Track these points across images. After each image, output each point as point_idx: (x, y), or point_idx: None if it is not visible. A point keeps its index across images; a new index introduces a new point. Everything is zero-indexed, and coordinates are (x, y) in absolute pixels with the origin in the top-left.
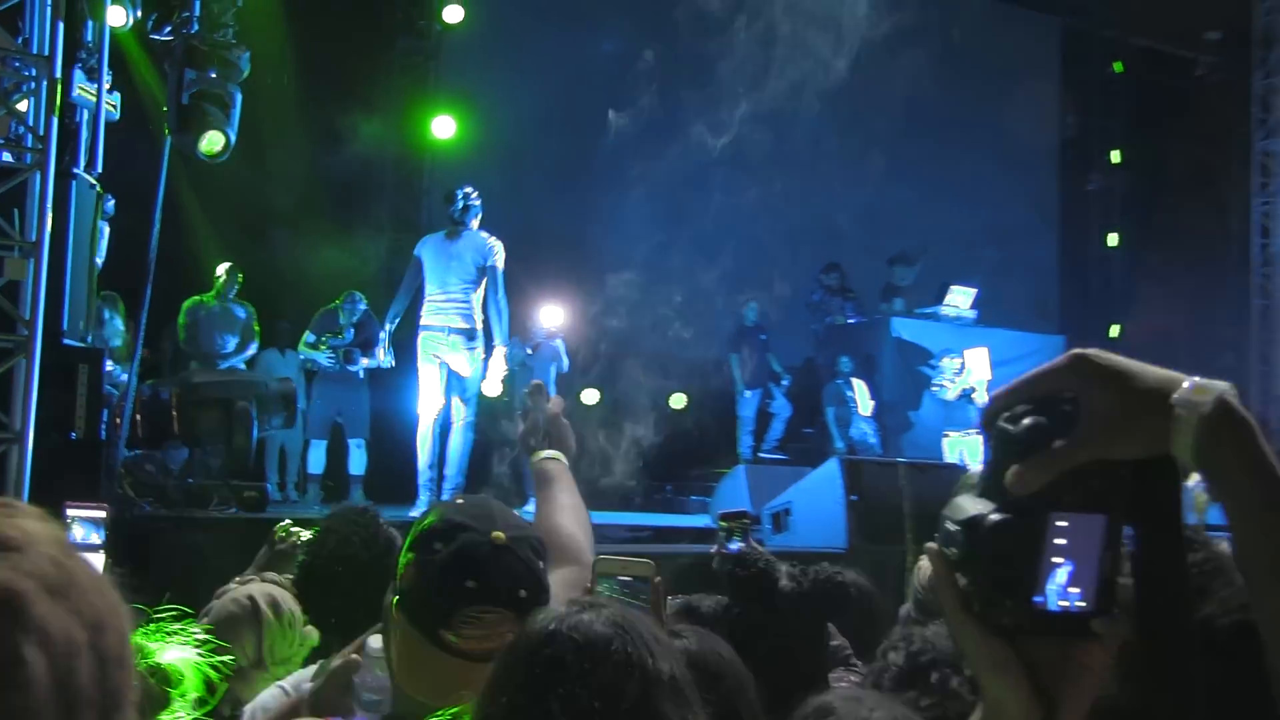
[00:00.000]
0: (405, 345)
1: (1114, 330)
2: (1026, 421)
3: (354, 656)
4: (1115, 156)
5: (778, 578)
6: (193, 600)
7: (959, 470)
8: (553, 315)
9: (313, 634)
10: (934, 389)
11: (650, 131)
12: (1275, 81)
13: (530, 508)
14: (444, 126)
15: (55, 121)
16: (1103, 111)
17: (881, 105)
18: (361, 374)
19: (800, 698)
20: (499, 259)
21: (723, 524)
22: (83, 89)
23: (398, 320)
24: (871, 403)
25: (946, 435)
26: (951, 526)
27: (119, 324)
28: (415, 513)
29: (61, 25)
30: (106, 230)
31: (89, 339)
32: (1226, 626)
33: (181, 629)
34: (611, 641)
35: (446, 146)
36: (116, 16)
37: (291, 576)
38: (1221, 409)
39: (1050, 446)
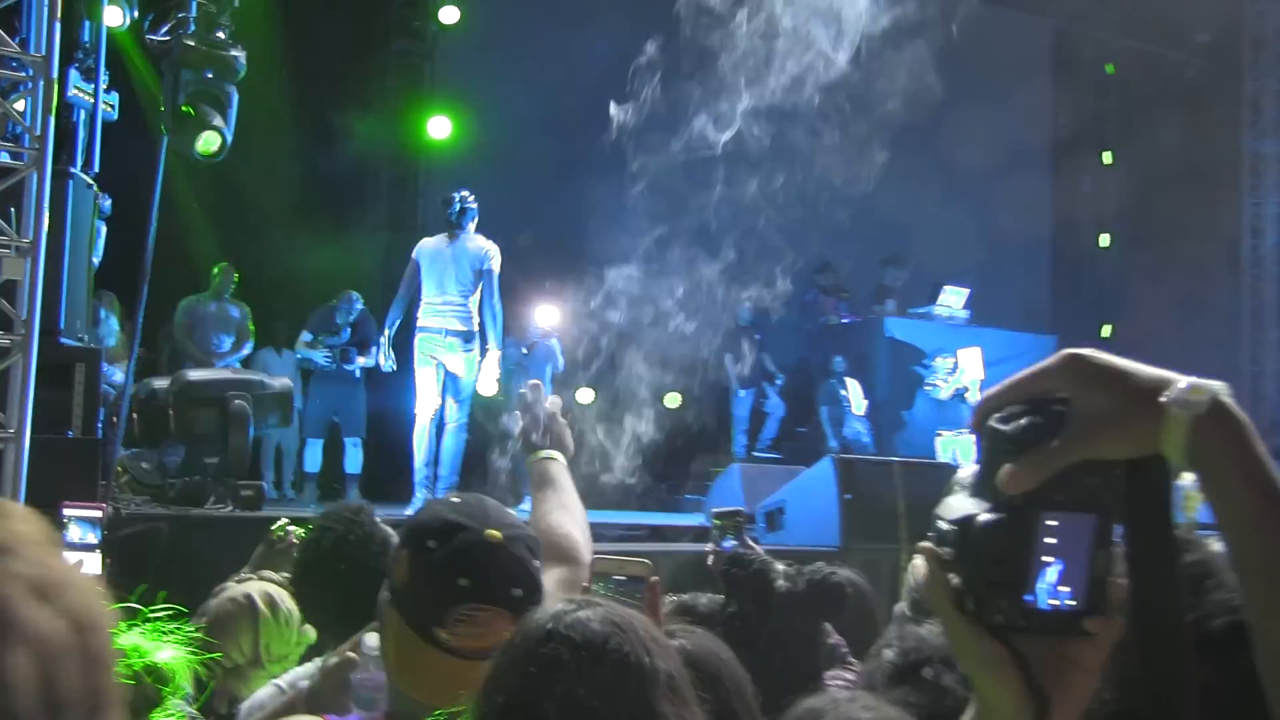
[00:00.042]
0: (402, 346)
1: (1106, 330)
2: (1019, 421)
3: (350, 654)
4: (1107, 157)
5: (773, 578)
6: (190, 598)
7: (952, 469)
8: (548, 315)
9: (310, 632)
10: (927, 388)
11: (645, 132)
12: (1265, 84)
13: (526, 506)
14: (440, 127)
15: (52, 121)
16: (1095, 113)
17: (874, 107)
18: (358, 373)
19: (795, 697)
20: (495, 263)
21: (717, 522)
22: (78, 89)
23: (397, 324)
24: (865, 402)
25: (940, 434)
26: (944, 526)
27: (114, 324)
28: (411, 511)
29: (58, 25)
30: (103, 230)
31: (86, 338)
32: (1218, 628)
33: (176, 628)
34: (609, 640)
35: (442, 147)
36: (113, 17)
37: (288, 575)
38: (1216, 409)
39: (1042, 446)
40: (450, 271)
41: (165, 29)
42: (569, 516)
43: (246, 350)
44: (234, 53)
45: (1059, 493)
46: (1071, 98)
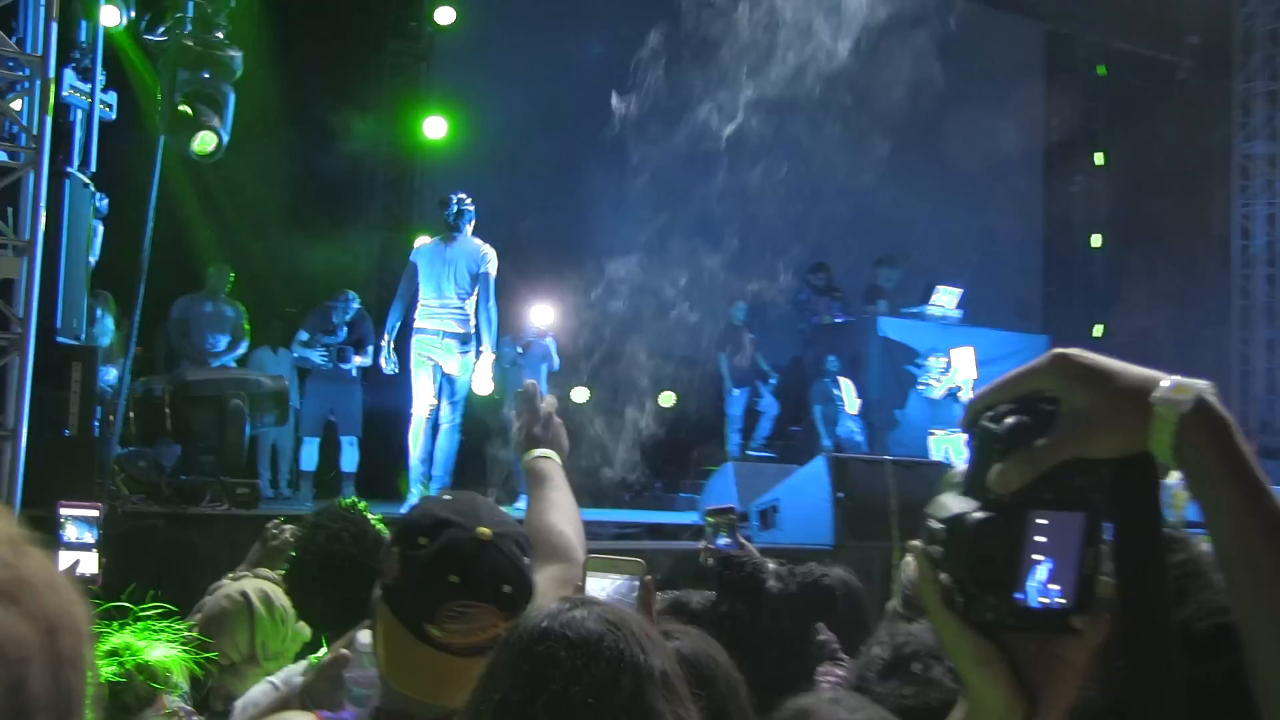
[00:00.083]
0: (400, 347)
1: (1097, 330)
2: (1008, 421)
3: (343, 651)
4: (1099, 158)
5: (765, 579)
6: (186, 596)
7: (945, 468)
8: (543, 314)
9: (305, 630)
10: (920, 388)
11: (639, 133)
12: (1255, 85)
13: (522, 505)
14: (435, 127)
15: (49, 120)
16: (1086, 114)
17: (867, 108)
18: (354, 372)
19: (787, 695)
20: (492, 266)
21: (709, 520)
22: (74, 88)
23: (397, 327)
24: (858, 401)
25: (932, 433)
26: (934, 525)
27: (109, 323)
28: (405, 508)
29: (55, 25)
30: (100, 229)
31: (83, 337)
32: (1204, 630)
33: (168, 626)
34: (604, 638)
35: (438, 147)
36: (110, 16)
37: (283, 572)
38: (1201, 408)
39: (1031, 445)
40: (448, 274)
41: (162, 29)
42: (563, 515)
43: (241, 350)
44: (230, 53)
45: (1048, 491)
46: (1063, 99)
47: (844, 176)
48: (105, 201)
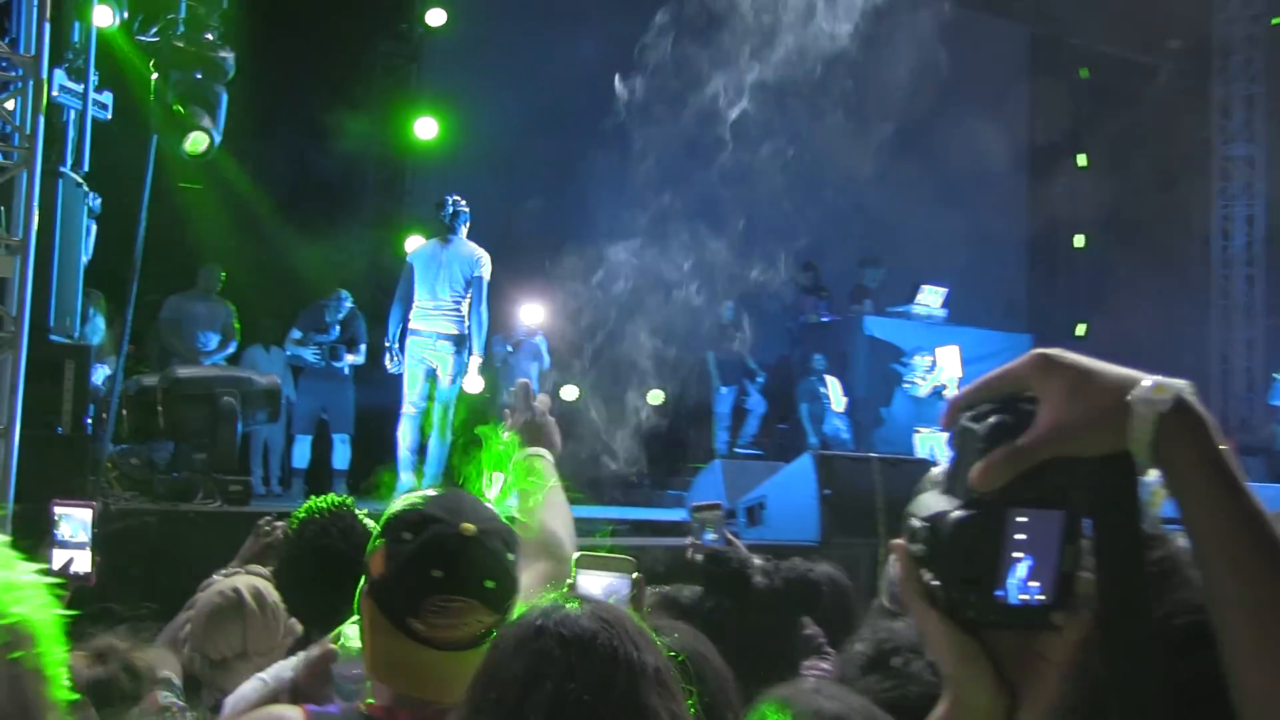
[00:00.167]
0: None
1: (1080, 329)
2: (989, 420)
3: (331, 646)
4: (1081, 160)
5: (751, 574)
6: (178, 592)
7: (930, 465)
8: (533, 313)
9: (296, 626)
10: (906, 386)
11: (631, 134)
12: (1234, 89)
13: (512, 502)
14: (426, 127)
15: (42, 120)
16: (1069, 116)
17: (854, 111)
18: (346, 370)
19: (772, 688)
20: (486, 270)
21: (696, 516)
22: (64, 88)
23: (399, 329)
24: (844, 399)
25: (918, 431)
26: (916, 523)
27: (100, 322)
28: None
29: (48, 26)
30: (94, 228)
31: (76, 335)
32: (1180, 627)
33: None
34: (597, 635)
35: (429, 147)
36: (103, 17)
37: (274, 568)
38: (1180, 408)
39: (1012, 444)
40: (443, 276)
41: (154, 30)
42: (555, 512)
43: (231, 349)
44: (222, 54)
45: (1028, 489)
46: (1047, 101)
47: (831, 177)
48: (98, 201)
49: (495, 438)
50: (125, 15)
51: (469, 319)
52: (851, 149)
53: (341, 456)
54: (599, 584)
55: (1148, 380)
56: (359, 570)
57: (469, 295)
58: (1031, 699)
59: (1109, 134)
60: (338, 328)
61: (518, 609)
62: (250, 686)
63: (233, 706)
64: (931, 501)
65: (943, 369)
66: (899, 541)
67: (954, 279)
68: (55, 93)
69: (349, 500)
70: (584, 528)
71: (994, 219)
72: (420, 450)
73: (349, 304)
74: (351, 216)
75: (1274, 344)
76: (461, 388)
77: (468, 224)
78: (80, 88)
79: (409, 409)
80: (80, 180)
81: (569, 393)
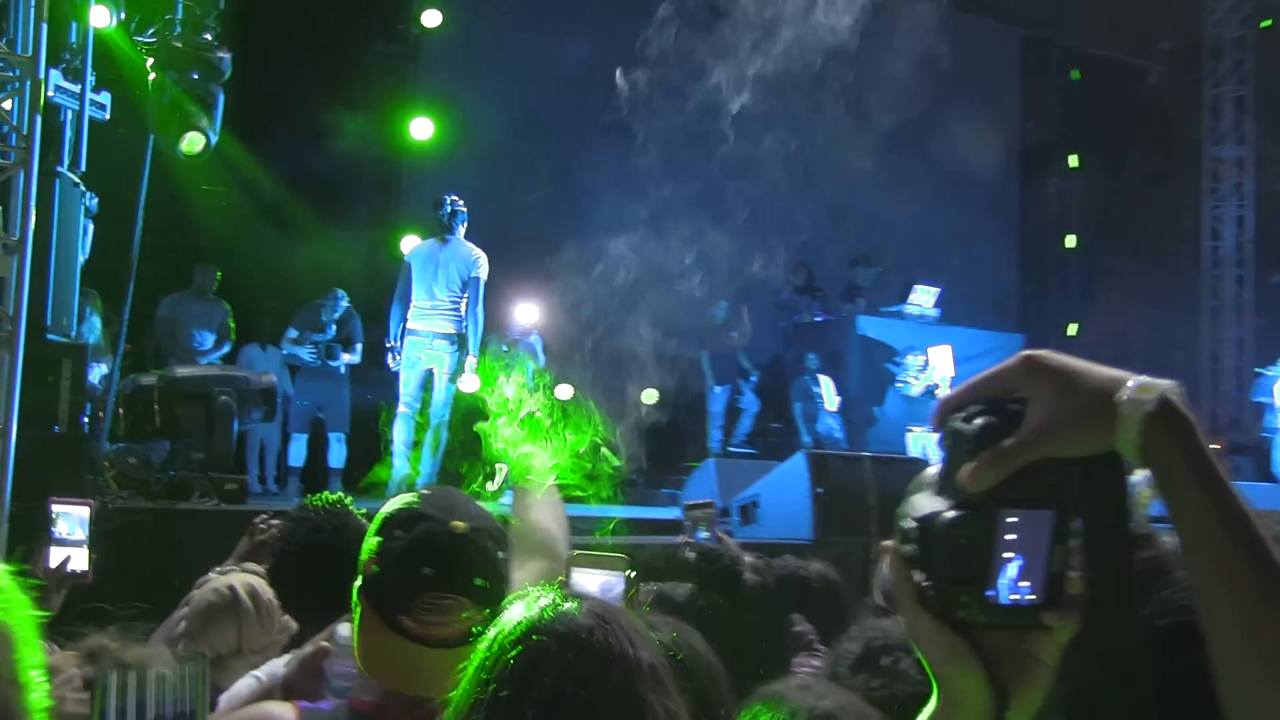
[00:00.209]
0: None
1: (1071, 329)
2: (979, 421)
3: (324, 644)
4: (1073, 161)
5: (742, 572)
6: (174, 590)
7: (923, 464)
8: (528, 313)
9: (291, 624)
10: (898, 385)
11: (624, 135)
12: (1224, 90)
13: (507, 501)
14: (422, 128)
15: (39, 120)
16: (1061, 118)
17: (847, 112)
18: (342, 369)
19: (764, 684)
20: (483, 271)
21: (689, 514)
22: (60, 88)
23: (401, 329)
24: (837, 398)
25: (910, 430)
26: (907, 524)
27: (96, 322)
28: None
29: (45, 26)
30: (91, 228)
31: (73, 334)
32: (1168, 627)
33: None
34: (593, 632)
35: (425, 147)
36: (100, 17)
37: (268, 565)
38: (1165, 408)
39: (1002, 445)
40: (440, 276)
41: (151, 30)
42: (548, 513)
43: (226, 349)
44: (219, 54)
45: (1018, 490)
46: (1039, 103)
47: (823, 178)
48: (95, 201)
49: (494, 434)
50: (122, 16)
51: (466, 317)
52: (844, 150)
53: (337, 455)
54: (594, 582)
55: (1134, 381)
56: (353, 568)
57: (466, 295)
58: (1022, 698)
59: (1100, 135)
60: (334, 327)
61: (512, 607)
62: (244, 684)
63: (227, 703)
64: (922, 503)
65: (935, 368)
66: (890, 543)
67: (946, 279)
68: (51, 93)
69: (345, 499)
70: (578, 526)
71: (986, 219)
72: (415, 448)
73: (345, 303)
74: (348, 216)
75: (1264, 343)
76: (458, 387)
77: (465, 223)
78: (77, 88)
79: (403, 408)
80: (77, 180)
81: (563, 391)
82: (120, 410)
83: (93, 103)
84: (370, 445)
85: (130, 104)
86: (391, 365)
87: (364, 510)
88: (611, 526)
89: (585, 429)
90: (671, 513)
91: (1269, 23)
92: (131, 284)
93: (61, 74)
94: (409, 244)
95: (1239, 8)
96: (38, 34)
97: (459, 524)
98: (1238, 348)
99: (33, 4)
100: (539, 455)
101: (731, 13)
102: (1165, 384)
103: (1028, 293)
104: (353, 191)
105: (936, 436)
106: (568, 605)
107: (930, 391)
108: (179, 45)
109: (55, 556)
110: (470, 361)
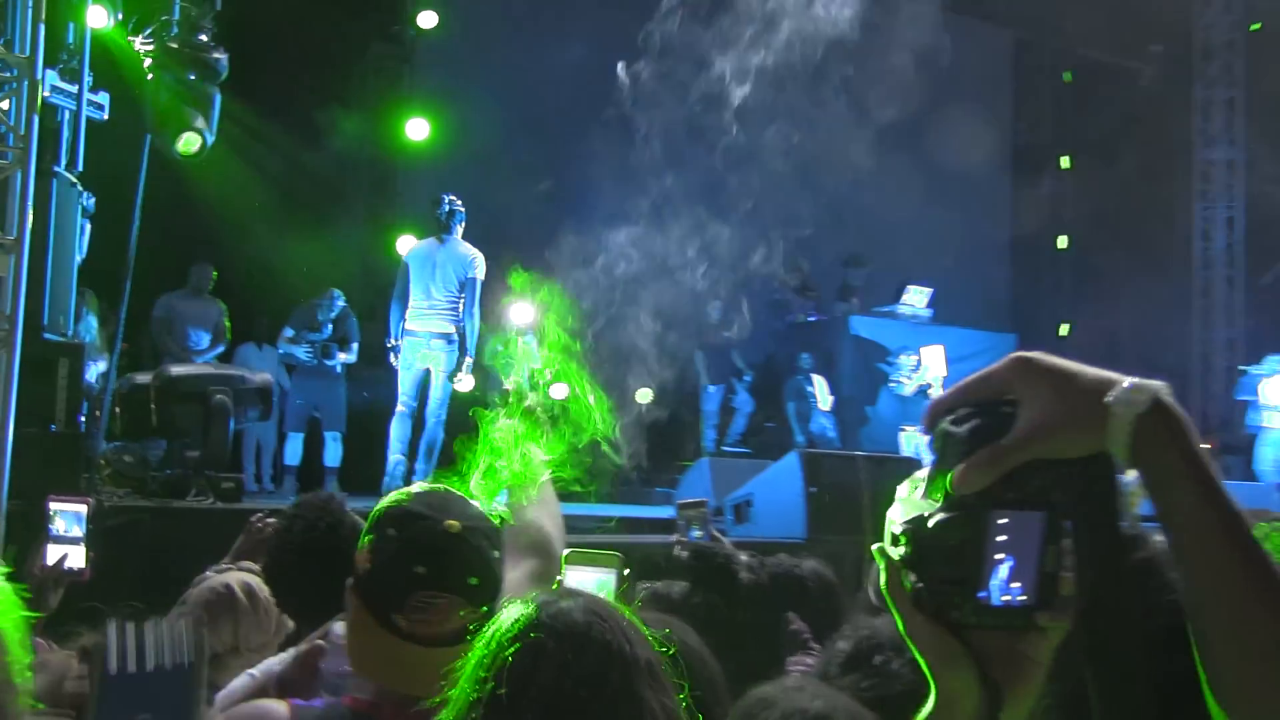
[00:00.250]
0: (382, 345)
1: (1063, 329)
2: (969, 423)
3: (319, 642)
4: (1065, 162)
5: (737, 570)
6: (170, 588)
7: (915, 463)
8: (523, 312)
9: (288, 622)
10: (891, 385)
11: (620, 135)
12: (1214, 93)
13: (502, 500)
14: (418, 129)
15: (36, 120)
16: (1053, 119)
17: (838, 113)
18: (338, 369)
19: (758, 683)
20: (479, 271)
21: (682, 513)
22: (56, 88)
23: (401, 328)
24: (831, 398)
25: (903, 430)
26: (899, 527)
27: (93, 321)
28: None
29: (43, 27)
30: (88, 227)
31: (69, 333)
32: (1160, 627)
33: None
34: (591, 629)
35: (420, 148)
36: (97, 18)
37: (263, 563)
38: (1156, 409)
39: (993, 446)
40: (437, 276)
41: (148, 31)
42: (544, 510)
43: (221, 349)
44: (216, 55)
45: (1009, 491)
46: (1031, 104)
47: (816, 179)
48: (92, 200)
49: (492, 422)
50: (119, 16)
51: (463, 317)
52: (837, 150)
53: (333, 454)
54: (588, 579)
55: (1125, 382)
56: (346, 565)
57: (463, 295)
58: (1016, 698)
59: (1092, 136)
60: (330, 326)
61: (510, 603)
62: (240, 682)
63: (223, 701)
64: (913, 505)
65: (928, 368)
66: (882, 545)
67: (939, 279)
68: (48, 93)
69: (338, 495)
70: (572, 524)
71: (979, 220)
72: (412, 446)
73: (341, 303)
74: (344, 216)
75: (1254, 344)
76: (454, 386)
77: (463, 223)
78: (74, 88)
79: (401, 407)
80: (74, 180)
81: (559, 391)
82: (117, 409)
83: (91, 103)
84: (366, 444)
85: (128, 104)
86: (394, 363)
87: (358, 508)
88: (612, 524)
89: (584, 426)
90: (666, 511)
91: (1259, 26)
92: (128, 283)
93: (59, 74)
94: (405, 244)
95: (1229, 11)
96: (35, 34)
97: (452, 523)
98: (1228, 348)
99: (30, 4)
100: (535, 452)
101: (720, 15)
102: (1156, 385)
103: (1020, 293)
104: (349, 191)
105: (927, 438)
106: (565, 603)
107: (923, 391)
108: (176, 46)
109: (53, 554)
110: (467, 361)
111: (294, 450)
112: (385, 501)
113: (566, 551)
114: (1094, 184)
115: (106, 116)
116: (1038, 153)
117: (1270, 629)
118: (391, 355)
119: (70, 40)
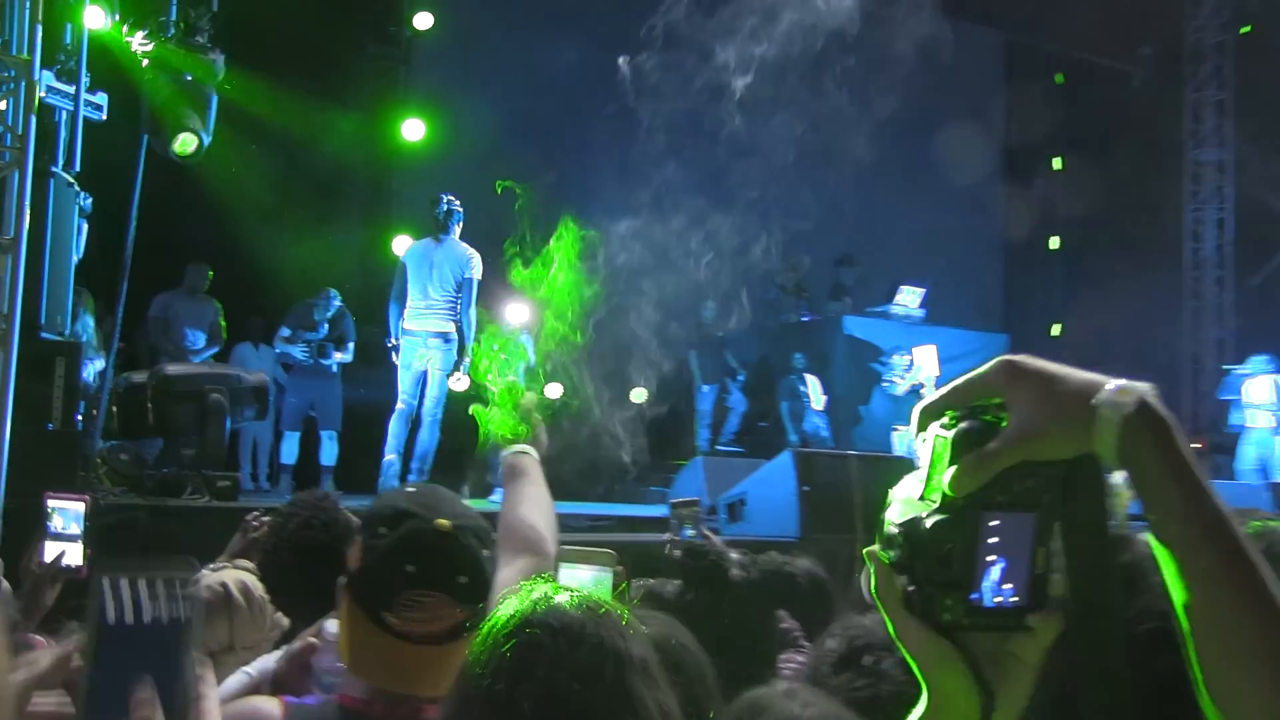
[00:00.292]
0: (382, 345)
1: (1055, 329)
2: (959, 426)
3: (312, 640)
4: (1056, 163)
5: (728, 568)
6: None
7: (908, 463)
8: (519, 312)
9: (283, 620)
10: (884, 385)
11: (617, 136)
12: (1205, 95)
13: (497, 498)
14: (414, 129)
15: (34, 121)
16: (1045, 121)
17: (832, 113)
18: (335, 368)
19: (750, 680)
20: (476, 271)
21: (675, 512)
22: (52, 88)
23: (400, 327)
24: (824, 398)
25: (896, 429)
26: (891, 529)
27: (89, 321)
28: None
29: (40, 28)
30: (85, 227)
31: (66, 332)
32: (1149, 629)
33: None
34: (586, 625)
35: (416, 149)
36: (95, 18)
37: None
38: (1143, 410)
39: (982, 449)
40: (434, 276)
41: (146, 32)
42: (537, 509)
43: (217, 348)
44: (212, 56)
45: (999, 493)
46: (1023, 106)
47: (810, 180)
48: (89, 200)
49: (488, 417)
50: (117, 17)
51: (460, 317)
52: (830, 151)
53: (329, 453)
54: (582, 577)
55: (1112, 384)
56: (340, 563)
57: (460, 294)
58: (1007, 699)
59: (1083, 138)
60: (326, 326)
61: (504, 601)
62: (234, 680)
63: (218, 700)
64: (905, 507)
65: (920, 368)
66: (873, 548)
67: (932, 279)
68: (44, 94)
69: (332, 493)
70: (566, 523)
71: (971, 221)
72: (409, 445)
73: (338, 303)
74: (340, 216)
75: (1244, 344)
76: (450, 385)
77: (461, 223)
78: (71, 89)
79: (400, 405)
80: (71, 180)
81: (553, 390)
82: (114, 408)
83: (89, 103)
84: (362, 443)
85: (125, 105)
86: (395, 361)
87: (353, 507)
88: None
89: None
90: (661, 510)
91: (1249, 28)
92: (125, 283)
93: (56, 75)
94: (402, 244)
95: (1219, 13)
96: (33, 35)
97: (443, 522)
98: (1218, 348)
99: (28, 5)
100: (524, 398)
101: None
102: (1143, 387)
103: (1012, 293)
104: (345, 192)
105: (917, 441)
106: (560, 599)
107: (915, 391)
108: (173, 47)
109: (50, 551)
110: (464, 361)
111: (290, 449)
112: (376, 501)
113: (561, 549)
114: (1085, 185)
115: (104, 117)
116: (1029, 154)
117: (1259, 628)
118: (393, 354)
119: (68, 41)
